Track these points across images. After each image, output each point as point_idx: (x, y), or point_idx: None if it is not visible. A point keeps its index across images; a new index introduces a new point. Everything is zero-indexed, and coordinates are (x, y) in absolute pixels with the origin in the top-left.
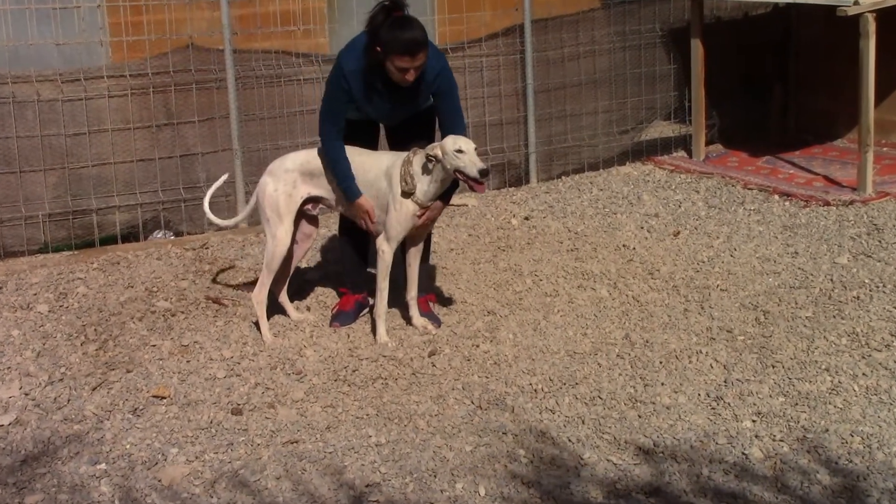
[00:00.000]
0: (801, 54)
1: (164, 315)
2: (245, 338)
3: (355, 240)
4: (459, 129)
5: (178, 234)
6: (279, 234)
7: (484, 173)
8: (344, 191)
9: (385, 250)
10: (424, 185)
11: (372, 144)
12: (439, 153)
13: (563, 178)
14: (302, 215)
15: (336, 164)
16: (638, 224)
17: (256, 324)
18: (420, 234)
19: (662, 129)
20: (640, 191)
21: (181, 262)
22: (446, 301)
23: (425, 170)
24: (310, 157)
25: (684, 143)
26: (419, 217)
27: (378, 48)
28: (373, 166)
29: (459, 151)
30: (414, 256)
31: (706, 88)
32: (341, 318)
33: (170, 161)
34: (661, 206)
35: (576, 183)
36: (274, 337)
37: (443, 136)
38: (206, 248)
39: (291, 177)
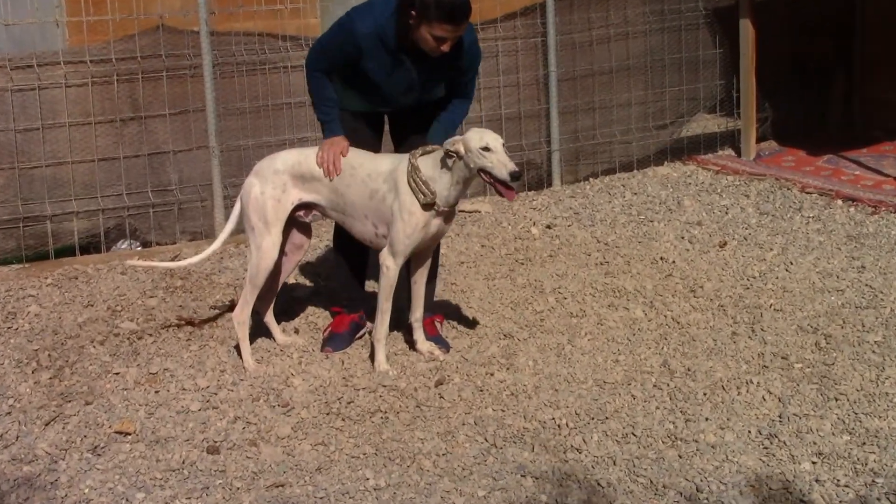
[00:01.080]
0: (869, 35)
1: (129, 338)
2: (223, 365)
3: (352, 252)
4: (460, 114)
5: (145, 244)
6: (265, 244)
7: (515, 176)
8: (321, 122)
9: (389, 266)
10: (443, 188)
11: (376, 141)
12: (461, 148)
13: (590, 180)
14: (292, 223)
15: (317, 91)
16: (678, 233)
17: (237, 348)
18: (429, 247)
19: (706, 124)
20: (681, 195)
21: (149, 277)
22: (456, 322)
23: (442, 166)
24: (302, 158)
25: (732, 139)
26: (433, 223)
27: (412, 12)
28: (370, 167)
29: (486, 149)
30: (420, 272)
31: (757, 76)
32: (334, 341)
33: (136, 160)
34: (705, 212)
35: (606, 186)
36: (257, 364)
37: (447, 118)
38: (179, 261)
39: (281, 179)
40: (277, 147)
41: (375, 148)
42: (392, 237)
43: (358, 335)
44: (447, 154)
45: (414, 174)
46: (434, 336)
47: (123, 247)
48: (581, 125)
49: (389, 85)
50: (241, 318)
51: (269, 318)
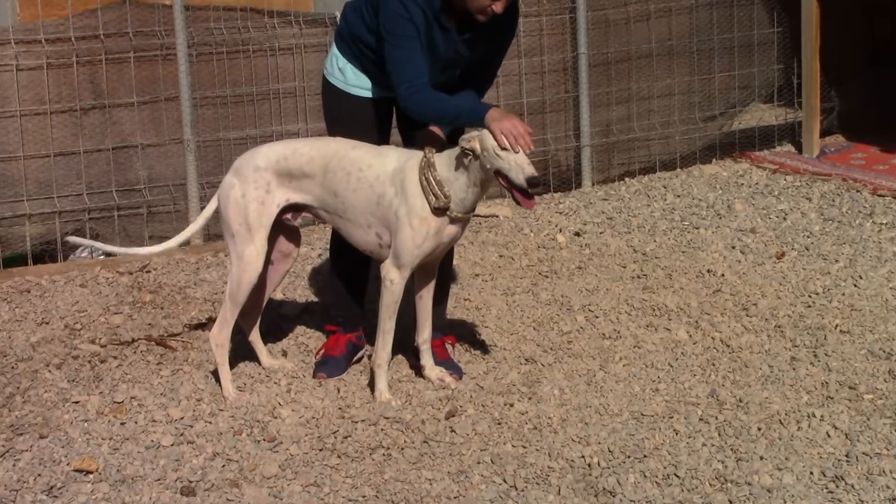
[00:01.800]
0: None
1: (90, 361)
2: (199, 392)
3: (351, 261)
4: (479, 95)
5: (109, 252)
6: (248, 253)
7: (534, 182)
8: (470, 118)
9: (394, 280)
10: (459, 191)
11: (383, 135)
12: (477, 146)
13: (626, 180)
14: (279, 229)
15: (439, 105)
16: (728, 242)
17: (215, 373)
18: (438, 257)
19: (762, 115)
20: (732, 197)
21: (113, 290)
22: (470, 344)
23: (459, 166)
24: (289, 152)
25: (791, 133)
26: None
27: None
28: (373, 164)
29: (503, 148)
30: (428, 287)
31: (822, 60)
32: (328, 366)
33: (99, 155)
34: (760, 217)
35: (644, 187)
36: (238, 391)
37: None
38: (148, 272)
39: (265, 178)
40: (262, 140)
41: (384, 140)
42: (398, 246)
43: (356, 358)
44: (463, 152)
45: (427, 172)
46: (445, 360)
47: (83, 255)
48: (615, 116)
49: (429, 62)
50: (221, 338)
51: (254, 339)
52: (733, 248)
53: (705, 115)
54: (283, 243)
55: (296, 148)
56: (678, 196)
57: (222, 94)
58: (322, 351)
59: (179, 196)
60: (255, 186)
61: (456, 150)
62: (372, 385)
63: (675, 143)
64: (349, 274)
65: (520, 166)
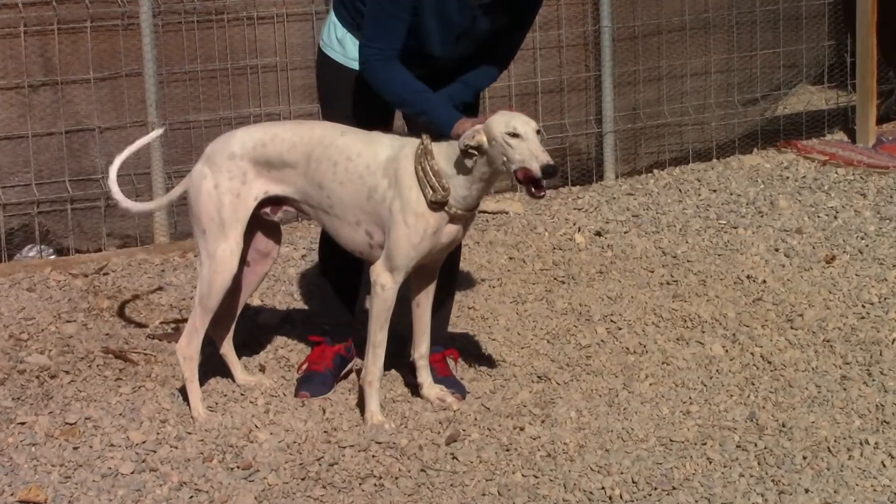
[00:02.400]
0: None
1: (38, 376)
2: (164, 413)
3: (341, 262)
4: (487, 80)
5: (61, 251)
6: (220, 253)
7: (549, 171)
8: (436, 122)
9: (385, 284)
10: (461, 186)
11: (388, 114)
12: (483, 140)
13: (654, 171)
14: (256, 225)
15: (399, 88)
16: (770, 244)
17: (183, 391)
18: (437, 260)
19: (810, 98)
20: (775, 192)
21: (66, 294)
22: (475, 359)
23: (460, 164)
24: (268, 137)
25: (844, 119)
26: (445, 232)
27: None
28: (363, 153)
29: (513, 135)
30: (426, 293)
31: (879, 35)
32: (312, 383)
33: (50, 140)
34: (807, 216)
35: (675, 180)
36: (209, 412)
37: (472, 80)
38: (105, 274)
39: (240, 166)
40: (239, 124)
41: (387, 123)
42: (390, 246)
43: (343, 372)
44: (465, 153)
45: (424, 161)
46: (445, 377)
47: (31, 254)
48: (643, 99)
49: (440, 30)
50: (189, 351)
51: (226, 351)
52: (776, 250)
53: (745, 98)
54: (261, 241)
55: (276, 133)
56: (714, 191)
57: (192, 70)
58: (305, 365)
59: (143, 187)
60: (230, 176)
61: (454, 144)
62: (362, 405)
63: (711, 129)
64: (339, 275)
65: (533, 154)
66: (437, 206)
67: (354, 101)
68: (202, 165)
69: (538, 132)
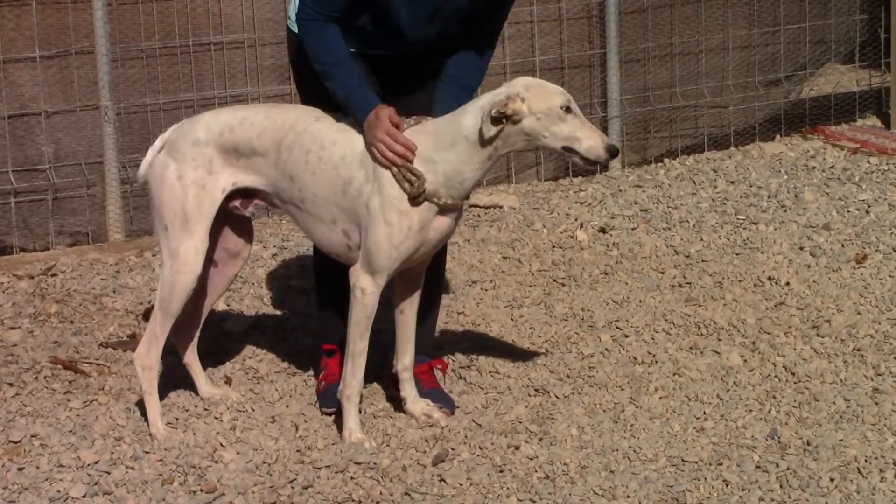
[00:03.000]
0: None
1: None
2: (119, 430)
3: (339, 278)
4: (477, 73)
5: (4, 250)
6: (183, 252)
7: (614, 152)
8: (348, 102)
9: (365, 288)
10: (452, 171)
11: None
12: (525, 108)
13: (665, 161)
14: (225, 220)
15: (325, 55)
16: (794, 242)
17: (141, 405)
18: (423, 261)
19: (839, 79)
20: (800, 184)
21: (9, 298)
22: (465, 371)
23: (453, 143)
24: (236, 121)
25: (877, 102)
26: (431, 227)
27: None
28: (339, 141)
29: (567, 110)
30: (410, 299)
31: None
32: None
33: None
34: (836, 210)
35: (688, 170)
36: (170, 428)
37: (459, 78)
38: (53, 276)
39: (205, 154)
40: (202, 107)
41: None
42: (370, 247)
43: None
44: (494, 119)
45: (401, 168)
46: (432, 390)
47: None
48: (653, 80)
49: (409, 4)
50: (148, 360)
51: (190, 360)
52: (801, 249)
53: (767, 79)
54: (230, 239)
55: (244, 117)
56: (732, 182)
57: (150, 47)
58: (323, 381)
59: (95, 178)
60: (195, 165)
61: (444, 119)
62: (339, 422)
63: (729, 114)
64: (343, 277)
65: (595, 133)
66: (417, 199)
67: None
68: (164, 154)
69: None
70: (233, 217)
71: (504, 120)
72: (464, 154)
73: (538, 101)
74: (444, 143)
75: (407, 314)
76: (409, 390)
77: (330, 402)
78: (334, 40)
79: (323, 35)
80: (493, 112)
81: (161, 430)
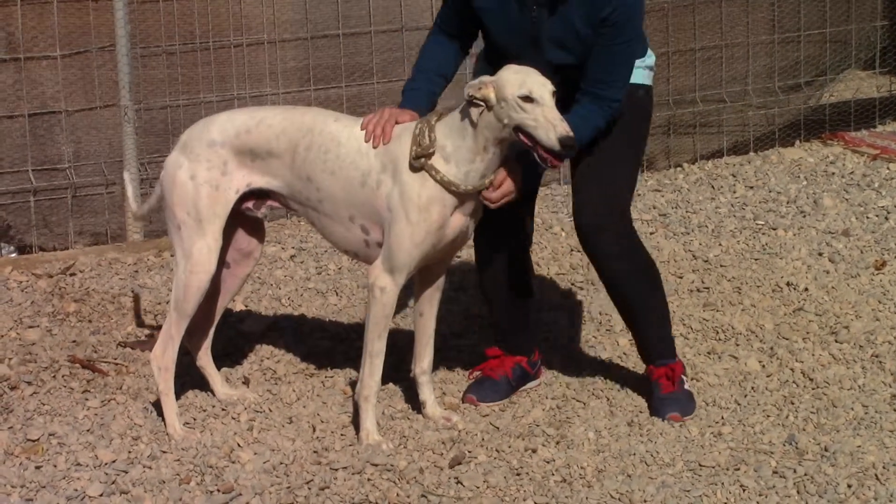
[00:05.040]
0: None
1: None
2: (136, 429)
3: (511, 261)
4: (587, 125)
5: (23, 249)
6: (197, 252)
7: (567, 144)
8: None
9: (385, 287)
10: (463, 159)
11: None
12: (491, 94)
13: (684, 165)
14: (238, 221)
15: (420, 58)
16: (813, 248)
17: (157, 405)
18: (442, 261)
19: (859, 85)
20: (819, 190)
21: (28, 297)
22: (481, 373)
23: (462, 130)
24: (252, 122)
25: None
26: (451, 218)
27: None
28: (356, 135)
29: (527, 99)
30: (430, 300)
31: None
32: (483, 388)
33: (11, 124)
34: (855, 216)
35: (707, 175)
36: (187, 428)
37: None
38: (72, 275)
39: (219, 155)
40: (222, 108)
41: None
42: (391, 243)
43: (525, 387)
44: (470, 103)
45: (423, 127)
46: (669, 394)
47: None
48: (672, 85)
49: (508, 32)
50: (165, 360)
51: (205, 363)
52: (820, 255)
53: (788, 84)
54: (242, 240)
55: (262, 118)
56: (751, 187)
57: (171, 47)
58: (479, 372)
59: (114, 177)
60: (209, 166)
61: (459, 110)
62: (356, 423)
63: (749, 119)
64: (512, 279)
65: (550, 123)
66: (418, 160)
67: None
68: (178, 153)
69: (554, 94)
70: (245, 218)
71: (481, 104)
72: (471, 142)
73: (502, 90)
74: (457, 132)
75: (427, 317)
76: (427, 394)
77: (472, 391)
78: (432, 49)
79: (428, 42)
80: (466, 93)
81: (178, 431)
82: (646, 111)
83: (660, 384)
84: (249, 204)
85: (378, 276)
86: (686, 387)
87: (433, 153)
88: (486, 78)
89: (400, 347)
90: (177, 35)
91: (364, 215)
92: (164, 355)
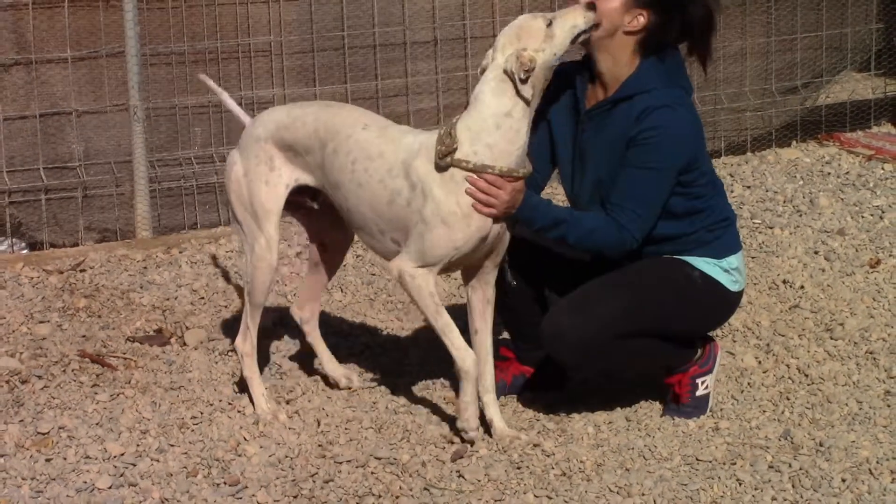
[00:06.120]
0: None
1: (8, 381)
2: (145, 423)
3: (531, 272)
4: (584, 227)
5: (34, 245)
6: (258, 248)
7: (591, 7)
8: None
9: (414, 273)
10: (508, 144)
11: None
12: (532, 54)
13: None
14: (314, 211)
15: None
16: (809, 246)
17: (167, 397)
18: (487, 272)
19: (855, 87)
20: (815, 190)
21: (39, 293)
22: None
23: (496, 127)
24: (289, 119)
25: (892, 109)
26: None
27: None
28: (384, 152)
29: (549, 24)
30: (483, 316)
31: None
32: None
33: (22, 124)
34: (850, 215)
35: None
36: (275, 405)
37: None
38: (82, 271)
39: (266, 151)
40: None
41: None
42: (425, 246)
43: (516, 392)
44: (523, 81)
45: (446, 132)
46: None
47: (2, 249)
48: None
49: (562, 149)
50: (245, 348)
51: (315, 338)
52: (816, 253)
53: (784, 86)
54: (331, 222)
55: (298, 115)
56: (748, 187)
57: (179, 49)
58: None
59: (123, 176)
60: (257, 162)
61: (474, 111)
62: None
63: (746, 120)
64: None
65: (571, 10)
66: (444, 158)
67: None
68: (234, 151)
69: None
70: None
71: (526, 70)
72: (515, 125)
73: (532, 40)
74: (489, 127)
75: (482, 333)
76: (493, 412)
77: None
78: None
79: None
80: (520, 76)
81: (265, 410)
82: (694, 293)
83: (670, 392)
84: (305, 198)
85: (400, 266)
86: (699, 393)
87: (456, 149)
88: (507, 54)
89: (402, 344)
90: (184, 37)
91: (394, 229)
92: (244, 343)
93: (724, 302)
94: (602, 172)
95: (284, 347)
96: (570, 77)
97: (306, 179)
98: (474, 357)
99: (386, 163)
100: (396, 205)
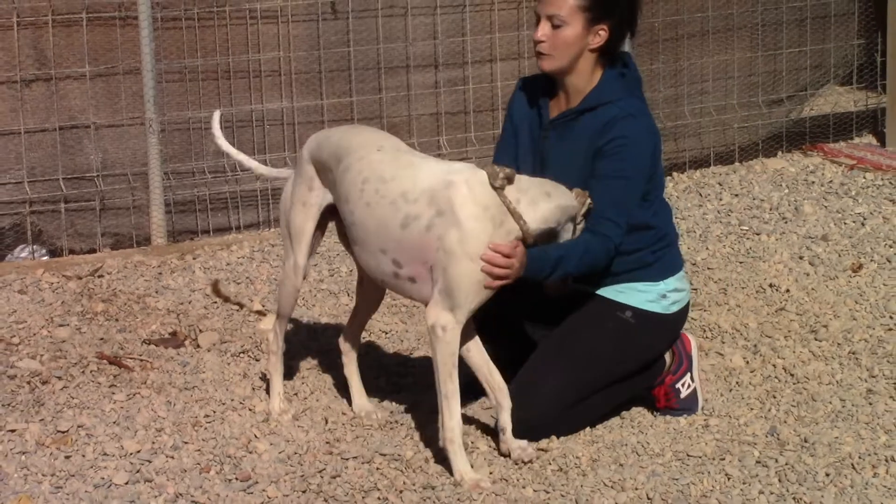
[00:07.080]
0: None
1: (29, 382)
2: (160, 421)
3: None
4: (578, 251)
5: (54, 252)
6: (287, 267)
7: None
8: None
9: (447, 325)
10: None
11: None
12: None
13: (673, 175)
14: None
15: None
16: (794, 252)
17: (179, 397)
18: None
19: (837, 100)
20: (800, 198)
21: (59, 297)
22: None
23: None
24: (322, 137)
25: (873, 121)
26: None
27: None
28: (398, 178)
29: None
30: (472, 336)
31: None
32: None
33: (43, 136)
34: (833, 222)
35: (695, 184)
36: (287, 402)
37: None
38: (100, 277)
39: (308, 171)
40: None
41: None
42: (450, 284)
43: None
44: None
45: (501, 196)
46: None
47: (23, 255)
48: (661, 98)
49: (524, 154)
50: (270, 347)
51: (350, 371)
52: (801, 258)
53: (770, 99)
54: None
55: (329, 135)
56: (736, 195)
57: (192, 65)
58: None
59: (139, 186)
60: (300, 181)
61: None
62: (447, 465)
63: (734, 131)
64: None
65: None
66: (495, 187)
67: None
68: (292, 171)
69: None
70: None
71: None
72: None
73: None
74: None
75: (474, 351)
76: (506, 420)
77: None
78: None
79: None
80: (581, 213)
81: (276, 409)
82: (631, 334)
83: (657, 401)
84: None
85: (438, 316)
86: (684, 395)
87: (504, 185)
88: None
89: (406, 346)
90: (198, 54)
91: (400, 251)
92: (273, 341)
93: (664, 329)
94: (563, 180)
95: (293, 349)
96: (534, 87)
97: (329, 198)
98: (462, 429)
99: (399, 186)
100: (411, 229)
